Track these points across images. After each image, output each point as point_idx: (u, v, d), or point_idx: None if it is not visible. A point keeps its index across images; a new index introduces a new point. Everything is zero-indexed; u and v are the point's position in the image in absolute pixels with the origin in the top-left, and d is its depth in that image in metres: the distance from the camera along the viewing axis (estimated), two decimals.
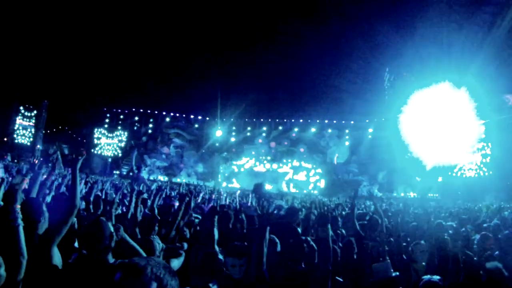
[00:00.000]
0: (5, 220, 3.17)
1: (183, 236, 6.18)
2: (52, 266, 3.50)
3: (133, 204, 6.26)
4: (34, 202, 3.89)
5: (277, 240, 4.97)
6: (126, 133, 55.77)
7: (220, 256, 3.69)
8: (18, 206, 3.24)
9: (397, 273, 5.03)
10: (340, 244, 6.22)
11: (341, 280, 4.38)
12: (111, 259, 3.49)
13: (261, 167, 49.40)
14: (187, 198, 6.75)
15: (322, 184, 46.88)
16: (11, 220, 3.13)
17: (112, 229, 3.63)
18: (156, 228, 5.25)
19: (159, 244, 4.95)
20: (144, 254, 3.79)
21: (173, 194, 13.86)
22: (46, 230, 3.68)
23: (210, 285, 3.45)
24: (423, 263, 5.61)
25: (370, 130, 49.50)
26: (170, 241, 5.68)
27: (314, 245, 5.53)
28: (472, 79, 34.83)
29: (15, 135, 51.59)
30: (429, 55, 37.55)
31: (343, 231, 7.74)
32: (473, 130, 38.04)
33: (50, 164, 6.90)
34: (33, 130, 53.06)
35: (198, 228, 6.77)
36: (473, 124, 37.72)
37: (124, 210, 7.16)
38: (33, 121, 53.33)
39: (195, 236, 6.22)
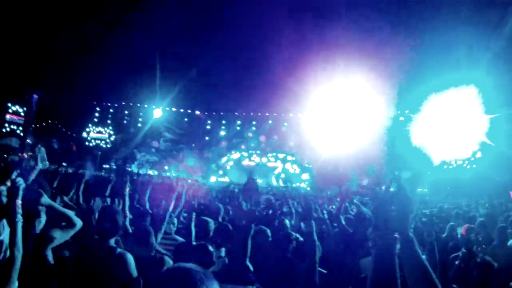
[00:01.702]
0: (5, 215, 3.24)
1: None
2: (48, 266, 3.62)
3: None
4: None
5: (269, 232, 5.07)
6: (115, 126, 55.58)
7: (211, 248, 3.79)
8: (20, 202, 3.29)
9: None
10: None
11: (325, 271, 4.47)
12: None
13: (251, 161, 49.46)
14: (177, 193, 6.84)
15: (311, 178, 46.96)
16: (11, 216, 3.19)
17: None
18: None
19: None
20: (75, 219, 3.87)
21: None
22: (42, 234, 3.75)
23: None
24: None
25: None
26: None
27: (299, 237, 5.67)
28: (480, 76, 34.87)
29: (4, 130, 51.30)
30: (435, 51, 37.62)
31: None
32: (479, 125, 38.07)
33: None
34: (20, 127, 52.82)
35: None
36: (480, 119, 37.73)
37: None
38: (23, 115, 53.08)
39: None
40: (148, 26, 49.19)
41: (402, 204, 1.90)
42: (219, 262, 4.05)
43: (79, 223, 3.85)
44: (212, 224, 5.55)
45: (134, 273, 3.60)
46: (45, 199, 3.87)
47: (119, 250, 3.57)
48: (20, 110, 53.04)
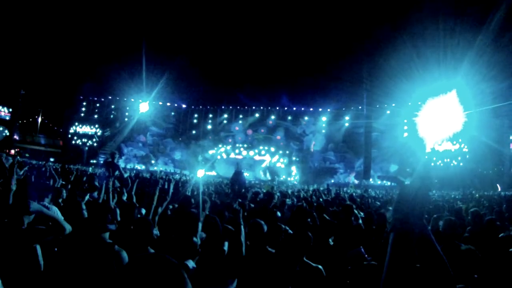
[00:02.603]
0: None
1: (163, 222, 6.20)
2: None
3: (104, 191, 6.28)
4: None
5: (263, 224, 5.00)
6: (102, 122, 55.34)
7: (195, 239, 3.75)
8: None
9: (370, 258, 5.08)
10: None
11: (312, 264, 4.43)
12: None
13: (238, 154, 49.49)
14: (161, 184, 6.80)
15: (298, 171, 47.12)
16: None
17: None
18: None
19: None
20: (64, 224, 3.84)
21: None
22: (29, 229, 3.71)
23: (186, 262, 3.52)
24: None
25: (347, 118, 49.73)
26: None
27: (288, 229, 5.63)
28: (461, 76, 35.19)
29: None
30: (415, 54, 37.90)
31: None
32: (457, 120, 38.53)
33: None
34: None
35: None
36: (458, 115, 38.20)
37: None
38: (9, 111, 52.79)
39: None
40: (134, 19, 49.05)
41: (422, 194, 1.89)
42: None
43: (68, 227, 3.80)
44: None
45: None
46: (34, 205, 3.85)
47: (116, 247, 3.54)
48: (5, 107, 52.65)
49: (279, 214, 7.88)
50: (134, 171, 30.61)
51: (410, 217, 1.83)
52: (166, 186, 9.18)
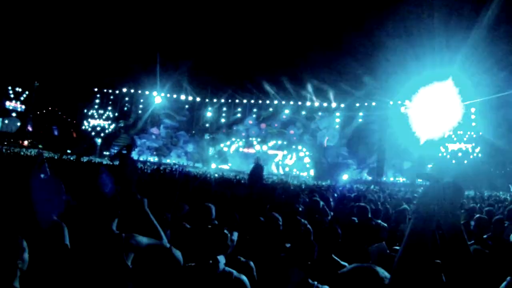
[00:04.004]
0: None
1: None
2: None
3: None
4: None
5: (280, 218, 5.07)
6: (115, 113, 55.44)
7: (226, 231, 3.81)
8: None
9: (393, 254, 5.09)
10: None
11: (341, 261, 4.48)
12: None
13: (251, 148, 49.53)
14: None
15: (311, 167, 47.06)
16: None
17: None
18: None
19: None
20: (162, 233, 3.89)
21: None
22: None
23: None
24: None
25: (361, 114, 49.51)
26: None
27: (310, 227, 5.68)
28: (458, 65, 35.09)
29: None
30: (417, 45, 37.76)
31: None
32: (457, 112, 38.74)
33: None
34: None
35: None
36: (458, 107, 38.45)
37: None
38: (23, 101, 53.02)
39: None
40: (148, 11, 49.09)
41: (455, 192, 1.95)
42: (231, 245, 4.08)
43: (165, 241, 3.86)
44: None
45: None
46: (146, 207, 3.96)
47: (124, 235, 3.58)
48: (20, 96, 52.88)
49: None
50: (148, 163, 30.62)
51: (436, 214, 1.89)
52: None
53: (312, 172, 45.69)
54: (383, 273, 1.70)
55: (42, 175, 4.44)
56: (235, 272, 3.52)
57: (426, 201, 1.93)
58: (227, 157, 49.24)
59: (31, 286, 2.96)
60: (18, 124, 50.12)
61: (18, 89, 52.24)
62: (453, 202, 1.94)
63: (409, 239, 1.88)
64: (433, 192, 1.94)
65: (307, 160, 47.75)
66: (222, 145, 50.98)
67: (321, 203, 8.56)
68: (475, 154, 41.31)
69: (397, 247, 5.37)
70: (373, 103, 46.67)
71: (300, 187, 15.65)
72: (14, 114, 51.68)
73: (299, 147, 48.81)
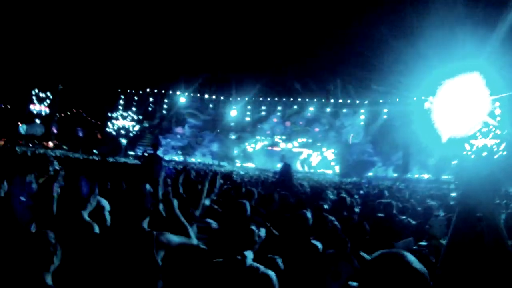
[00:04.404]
0: None
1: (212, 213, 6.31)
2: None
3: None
4: None
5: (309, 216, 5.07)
6: (140, 114, 55.75)
7: (253, 227, 3.83)
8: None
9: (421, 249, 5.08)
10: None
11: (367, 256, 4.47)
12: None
13: (276, 146, 49.62)
14: (210, 175, 6.90)
15: (336, 164, 46.97)
16: None
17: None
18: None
19: None
20: (191, 232, 3.92)
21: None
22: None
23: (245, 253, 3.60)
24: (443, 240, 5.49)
25: (385, 111, 49.22)
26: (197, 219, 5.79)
27: (337, 224, 5.69)
28: (485, 57, 34.65)
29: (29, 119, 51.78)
30: (440, 39, 37.37)
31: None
32: (484, 105, 38.26)
33: None
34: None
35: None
36: (485, 100, 37.94)
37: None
38: (48, 104, 53.61)
39: None
40: (170, 13, 49.35)
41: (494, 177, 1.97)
42: (258, 240, 4.11)
43: (193, 239, 3.90)
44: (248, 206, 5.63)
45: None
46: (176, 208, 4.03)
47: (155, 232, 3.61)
48: (44, 101, 53.43)
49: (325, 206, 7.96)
50: (173, 163, 30.85)
51: (479, 204, 1.91)
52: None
53: (337, 170, 45.57)
54: (410, 257, 1.71)
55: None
56: (262, 267, 3.53)
57: (469, 192, 1.94)
58: (252, 155, 49.34)
59: (63, 283, 3.01)
60: (43, 130, 50.64)
61: (42, 94, 52.74)
62: (492, 193, 1.95)
63: (455, 229, 1.90)
64: (474, 183, 1.96)
65: (332, 157, 47.66)
66: (246, 143, 51.11)
67: (349, 199, 8.59)
68: (500, 153, 40.73)
69: (423, 243, 5.37)
70: (397, 99, 46.31)
71: (323, 184, 15.65)
72: (37, 121, 52.19)
73: (324, 145, 48.72)
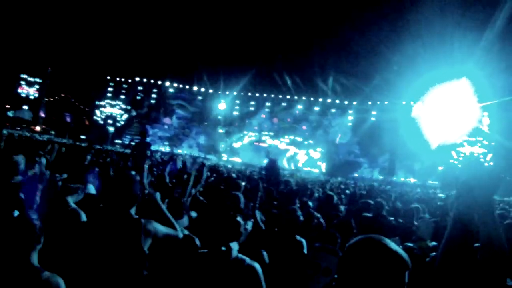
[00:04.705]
0: None
1: (198, 204, 6.27)
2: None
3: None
4: None
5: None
6: (128, 102, 55.55)
7: (239, 219, 3.79)
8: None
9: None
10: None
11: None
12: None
13: (263, 142, 49.65)
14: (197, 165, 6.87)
15: (322, 163, 47.09)
16: None
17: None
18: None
19: None
20: (176, 224, 3.88)
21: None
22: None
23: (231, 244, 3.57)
24: (430, 243, 5.50)
25: (374, 113, 49.42)
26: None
27: (322, 221, 5.67)
28: (473, 65, 34.86)
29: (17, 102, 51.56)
30: (430, 45, 37.58)
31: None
32: (473, 113, 38.59)
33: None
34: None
35: None
36: (474, 107, 38.28)
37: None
38: (37, 88, 53.28)
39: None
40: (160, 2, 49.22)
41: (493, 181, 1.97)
42: (245, 233, 4.09)
43: (179, 231, 3.85)
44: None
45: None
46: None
47: (143, 220, 3.56)
48: (34, 82, 53.11)
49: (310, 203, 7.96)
50: (159, 153, 30.72)
51: (477, 200, 1.90)
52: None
53: (323, 168, 45.69)
54: (388, 240, 1.69)
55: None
56: (247, 259, 3.50)
57: (468, 188, 1.94)
58: (238, 150, 49.34)
59: (49, 269, 2.95)
60: (31, 115, 50.46)
61: (31, 78, 52.43)
62: (491, 190, 1.95)
63: (454, 224, 1.89)
64: (473, 180, 1.95)
65: (318, 156, 47.75)
66: (234, 138, 51.08)
67: (335, 198, 8.60)
68: (486, 163, 40.96)
69: (410, 244, 5.36)
70: (385, 102, 46.54)
71: (306, 182, 15.71)
72: (25, 107, 51.90)
73: (311, 143, 48.81)
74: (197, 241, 3.94)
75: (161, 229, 3.59)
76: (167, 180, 7.66)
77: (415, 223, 6.66)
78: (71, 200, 4.42)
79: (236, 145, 50.30)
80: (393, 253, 1.64)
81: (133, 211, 3.59)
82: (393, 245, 1.66)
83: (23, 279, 2.70)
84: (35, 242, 2.84)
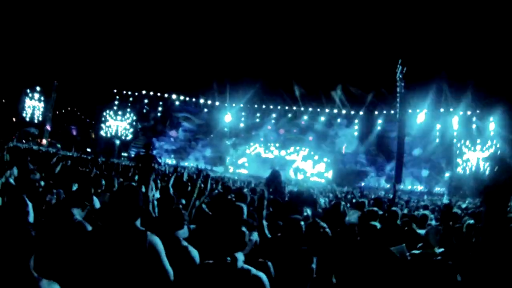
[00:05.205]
0: None
1: (203, 216, 6.28)
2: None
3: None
4: None
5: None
6: (134, 115, 55.63)
7: (243, 229, 3.78)
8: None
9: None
10: None
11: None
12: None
13: (269, 153, 49.71)
14: (202, 176, 6.85)
15: (329, 173, 47.05)
16: None
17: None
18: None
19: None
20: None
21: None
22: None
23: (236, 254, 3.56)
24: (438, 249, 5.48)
25: (380, 122, 49.37)
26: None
27: (328, 231, 5.64)
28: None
29: (24, 115, 51.73)
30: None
31: None
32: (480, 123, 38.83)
33: None
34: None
35: None
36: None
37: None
38: (43, 101, 53.45)
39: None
40: (164, 14, 49.45)
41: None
42: (250, 244, 4.08)
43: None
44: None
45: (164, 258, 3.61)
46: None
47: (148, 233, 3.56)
48: (40, 96, 53.32)
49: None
50: (165, 166, 30.76)
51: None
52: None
53: (330, 178, 45.69)
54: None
55: None
56: (253, 270, 3.49)
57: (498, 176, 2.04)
58: (245, 162, 49.37)
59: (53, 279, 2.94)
60: (36, 132, 50.76)
61: (37, 92, 52.66)
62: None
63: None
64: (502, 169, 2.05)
65: (325, 166, 47.74)
66: (240, 150, 51.10)
67: (342, 206, 8.58)
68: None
69: (416, 251, 5.37)
70: (392, 112, 46.48)
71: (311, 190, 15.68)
72: (31, 120, 52.16)
73: (317, 153, 48.80)
74: (196, 254, 3.95)
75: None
76: (171, 192, 7.66)
77: (423, 230, 6.63)
78: (77, 213, 4.43)
79: (243, 157, 50.33)
80: None
81: (138, 223, 3.60)
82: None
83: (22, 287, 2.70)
84: (33, 251, 2.83)
